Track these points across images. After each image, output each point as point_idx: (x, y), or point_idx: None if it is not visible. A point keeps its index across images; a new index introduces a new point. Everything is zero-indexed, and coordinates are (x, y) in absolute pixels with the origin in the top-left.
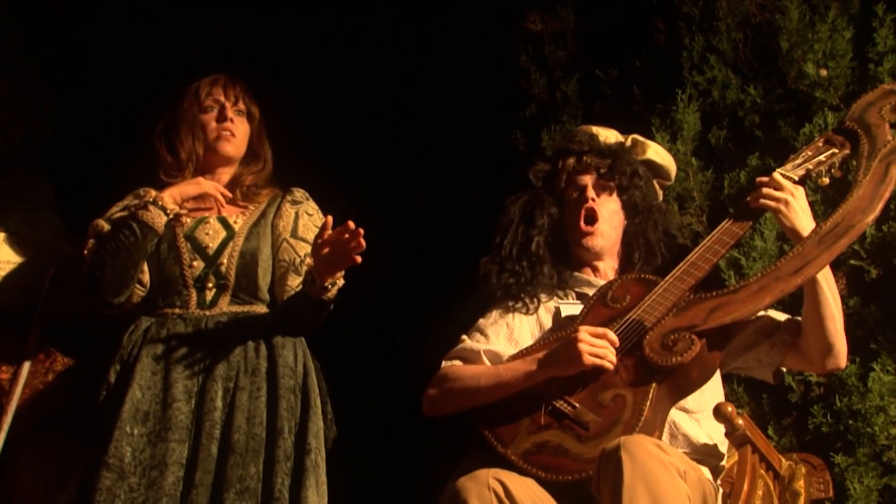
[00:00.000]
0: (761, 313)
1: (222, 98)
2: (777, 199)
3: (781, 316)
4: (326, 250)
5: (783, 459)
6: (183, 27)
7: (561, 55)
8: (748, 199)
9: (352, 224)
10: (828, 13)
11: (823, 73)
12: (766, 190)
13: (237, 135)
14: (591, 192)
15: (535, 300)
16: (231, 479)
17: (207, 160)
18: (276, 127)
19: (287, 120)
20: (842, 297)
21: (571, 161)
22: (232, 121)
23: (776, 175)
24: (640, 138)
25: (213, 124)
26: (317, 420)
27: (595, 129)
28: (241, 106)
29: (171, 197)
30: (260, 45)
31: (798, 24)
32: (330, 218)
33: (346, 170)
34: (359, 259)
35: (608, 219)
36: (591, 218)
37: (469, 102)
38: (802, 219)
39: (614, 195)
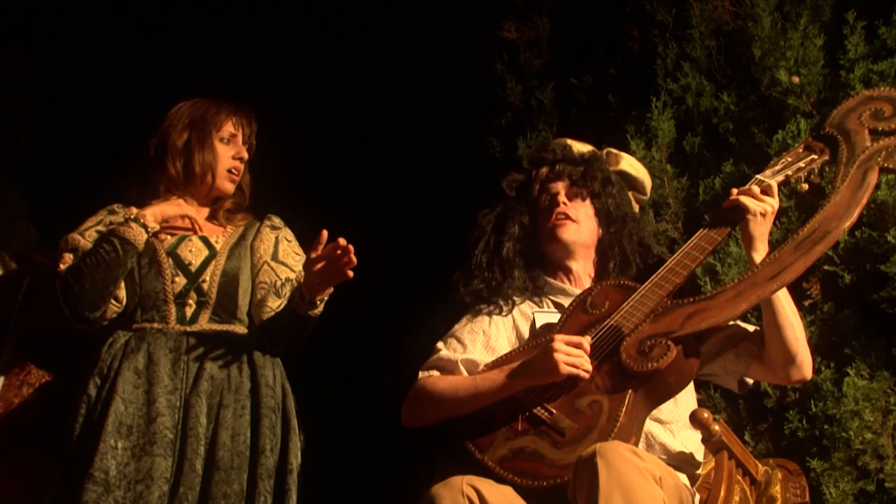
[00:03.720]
0: (731, 322)
1: (240, 135)
2: (759, 205)
3: (750, 327)
4: (321, 265)
5: (759, 465)
6: (157, 40)
7: (536, 63)
8: (730, 198)
9: (343, 241)
10: (799, 21)
11: (796, 79)
12: (755, 190)
13: (241, 176)
14: (562, 197)
15: (509, 301)
16: (216, 495)
17: (204, 189)
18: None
19: (261, 129)
20: (816, 303)
21: (544, 170)
22: (242, 161)
23: (773, 184)
24: (615, 150)
25: (227, 159)
26: (296, 441)
27: (569, 141)
28: (250, 144)
29: (152, 215)
30: (233, 58)
31: (770, 32)
32: (325, 232)
33: (321, 177)
34: (351, 274)
35: (581, 220)
36: (563, 218)
37: (445, 110)
38: (765, 234)
39: (587, 201)
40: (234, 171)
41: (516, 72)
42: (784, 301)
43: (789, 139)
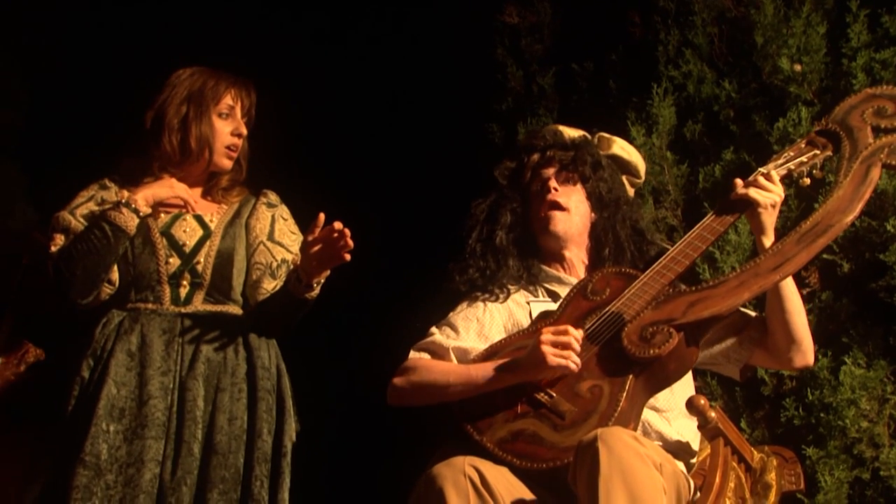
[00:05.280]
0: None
1: (238, 108)
2: (769, 196)
3: (751, 313)
4: (318, 248)
5: (755, 452)
6: (157, 17)
7: (537, 48)
8: (738, 191)
9: (339, 224)
10: (802, 8)
11: (797, 67)
12: (762, 181)
13: (239, 152)
14: (553, 183)
15: (504, 290)
16: (214, 479)
17: (201, 165)
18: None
19: (258, 112)
20: (814, 291)
21: (536, 156)
22: (241, 136)
23: (773, 173)
24: (606, 135)
25: (226, 135)
26: (291, 422)
27: (561, 127)
28: (249, 117)
29: (143, 199)
30: (232, 37)
31: (773, 19)
32: (322, 215)
33: (319, 162)
34: (348, 257)
35: (573, 207)
36: (554, 206)
37: (445, 95)
38: (774, 223)
39: (578, 185)
40: (232, 147)
41: (517, 57)
42: (789, 287)
43: (790, 127)
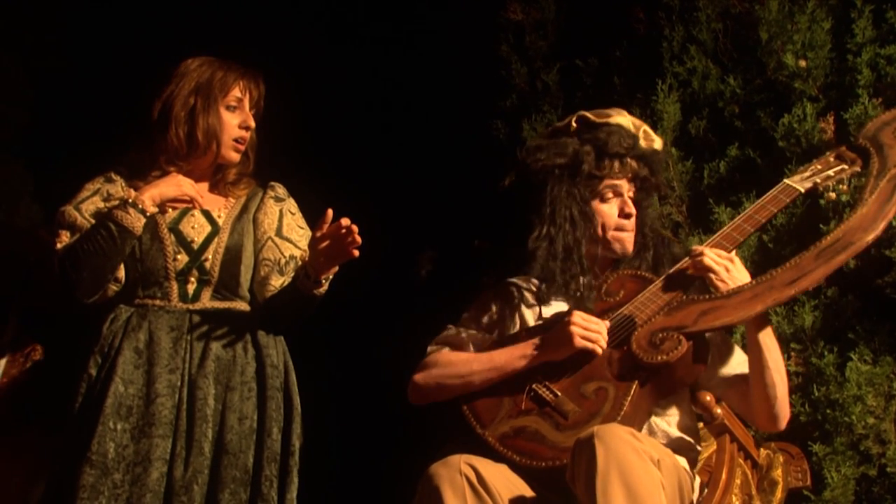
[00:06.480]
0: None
1: (247, 100)
2: (715, 268)
3: (742, 358)
4: (326, 244)
5: (761, 448)
6: (162, 12)
7: (542, 45)
8: (692, 259)
9: (346, 221)
10: (807, 4)
11: (802, 63)
12: (708, 257)
13: (247, 145)
14: (630, 207)
15: (521, 290)
16: (226, 479)
17: (208, 158)
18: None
19: (265, 103)
20: (820, 288)
21: (615, 165)
22: (249, 129)
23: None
24: (651, 132)
25: (233, 128)
26: (299, 421)
27: (630, 122)
28: (258, 109)
29: (150, 199)
30: (239, 33)
31: (777, 15)
32: (330, 211)
33: (324, 159)
34: (356, 253)
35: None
36: (628, 229)
37: (450, 92)
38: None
39: (638, 202)
40: (240, 140)
41: (522, 54)
42: (770, 344)
43: (795, 123)
